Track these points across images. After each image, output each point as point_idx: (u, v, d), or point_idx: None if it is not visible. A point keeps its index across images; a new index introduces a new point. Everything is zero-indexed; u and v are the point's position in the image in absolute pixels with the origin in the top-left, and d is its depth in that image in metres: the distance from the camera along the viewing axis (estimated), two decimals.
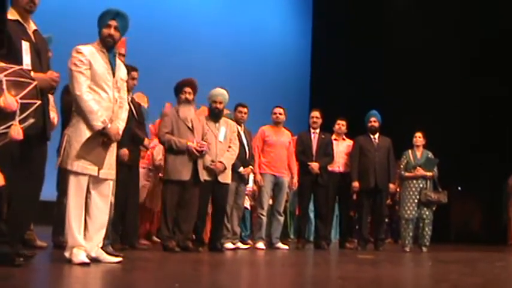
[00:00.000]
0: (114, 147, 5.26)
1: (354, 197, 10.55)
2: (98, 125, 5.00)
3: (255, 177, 9.40)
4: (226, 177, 8.10)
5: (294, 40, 17.65)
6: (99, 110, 5.00)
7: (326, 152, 9.86)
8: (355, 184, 9.91)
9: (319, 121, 9.96)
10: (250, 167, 8.92)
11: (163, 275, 4.73)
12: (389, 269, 6.26)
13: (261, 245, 9.17)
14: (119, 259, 5.19)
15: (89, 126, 4.99)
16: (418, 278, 5.38)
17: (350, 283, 4.42)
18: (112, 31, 5.23)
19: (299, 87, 17.07)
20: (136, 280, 4.15)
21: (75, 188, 4.98)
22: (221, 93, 8.23)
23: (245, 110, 9.01)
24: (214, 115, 8.19)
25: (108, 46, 5.24)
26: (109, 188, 5.27)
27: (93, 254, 5.06)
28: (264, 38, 15.92)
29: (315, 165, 9.61)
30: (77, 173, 4.96)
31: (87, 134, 4.99)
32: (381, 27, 16.52)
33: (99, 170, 5.06)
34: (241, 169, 8.66)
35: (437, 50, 15.36)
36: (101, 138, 5.04)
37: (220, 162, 7.95)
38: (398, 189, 11.25)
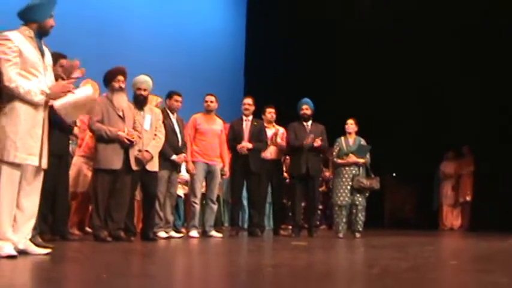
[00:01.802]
0: (46, 136, 5.12)
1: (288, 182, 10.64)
2: (40, 99, 4.94)
3: (187, 165, 9.35)
4: (153, 166, 8.05)
5: (228, 27, 17.54)
6: (33, 86, 4.91)
7: (259, 139, 9.86)
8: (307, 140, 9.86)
9: (251, 108, 9.96)
10: (183, 154, 8.86)
11: (92, 266, 4.66)
12: (322, 255, 6.29)
13: (194, 233, 9.14)
14: (48, 250, 5.08)
15: (28, 108, 4.90)
16: (351, 263, 5.41)
17: (283, 271, 4.41)
18: (53, 22, 5.21)
19: (233, 75, 16.98)
20: (64, 272, 4.05)
21: (9, 179, 4.83)
22: (145, 80, 8.17)
23: (180, 98, 8.96)
24: (139, 102, 8.10)
25: (46, 35, 5.21)
26: (41, 178, 5.15)
27: (21, 246, 4.94)
28: (197, 24, 15.75)
29: (245, 144, 9.64)
30: (13, 164, 4.82)
31: (22, 122, 4.87)
32: (317, 14, 16.50)
33: (40, 159, 4.97)
34: (174, 157, 8.60)
35: (371, 37, 15.46)
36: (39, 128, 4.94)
37: (147, 151, 7.88)
38: (332, 176, 11.32)
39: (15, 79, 4.84)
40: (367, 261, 5.68)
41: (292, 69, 16.25)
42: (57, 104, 5.26)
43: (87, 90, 5.72)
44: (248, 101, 10.02)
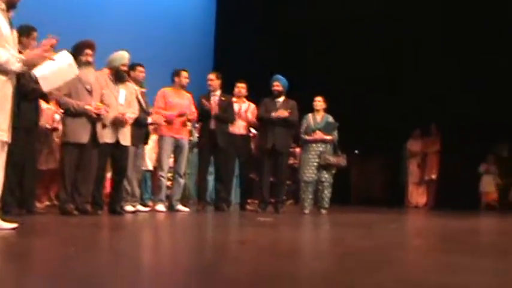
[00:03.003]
0: (9, 107, 5.08)
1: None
2: (18, 67, 4.93)
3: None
4: (126, 139, 8.07)
5: (199, 1, 17.48)
6: (10, 55, 4.88)
7: (227, 113, 9.92)
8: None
9: (215, 83, 10.01)
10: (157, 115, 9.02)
11: (59, 240, 4.68)
12: (287, 232, 6.35)
13: (161, 207, 9.19)
14: (15, 225, 5.06)
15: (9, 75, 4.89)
16: (316, 241, 5.48)
17: (248, 247, 4.47)
18: None
19: (203, 50, 16.94)
20: (32, 246, 4.07)
21: None
22: (127, 56, 8.20)
23: (143, 69, 9.05)
24: (122, 77, 8.15)
25: (14, 7, 5.16)
26: (5, 152, 5.12)
27: None
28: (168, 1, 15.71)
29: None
30: None
31: None
32: None
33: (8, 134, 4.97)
34: (150, 119, 8.88)
35: (345, 13, 15.48)
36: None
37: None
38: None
39: None
40: (332, 240, 5.76)
41: (265, 45, 16.24)
42: (38, 72, 5.28)
43: (67, 57, 5.73)
44: (211, 76, 10.09)
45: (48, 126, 8.77)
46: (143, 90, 9.08)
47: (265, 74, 10.76)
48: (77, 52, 7.50)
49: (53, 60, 5.37)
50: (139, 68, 8.98)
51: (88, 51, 7.55)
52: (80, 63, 7.44)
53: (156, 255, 3.90)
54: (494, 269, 3.57)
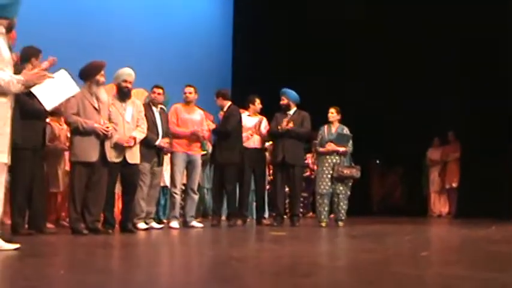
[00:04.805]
0: (9, 128, 5.08)
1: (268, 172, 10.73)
2: (18, 88, 4.98)
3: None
4: (134, 158, 8.06)
5: (215, 18, 17.45)
6: (11, 77, 4.93)
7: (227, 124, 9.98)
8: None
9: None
10: (167, 139, 8.92)
11: (55, 261, 4.67)
12: (294, 246, 6.26)
13: (175, 224, 9.17)
14: (17, 246, 5.05)
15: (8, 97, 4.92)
16: (318, 256, 5.39)
17: (245, 264, 4.40)
18: None
19: (221, 65, 16.95)
20: (22, 268, 4.04)
21: None
22: (131, 73, 8.22)
23: (160, 90, 9.04)
24: (124, 94, 8.14)
25: (10, 31, 5.26)
26: (5, 173, 5.12)
27: None
28: (183, 15, 15.68)
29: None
30: None
31: None
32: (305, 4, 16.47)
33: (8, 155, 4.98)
34: (158, 141, 8.75)
35: (362, 26, 15.44)
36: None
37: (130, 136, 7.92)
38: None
39: None
40: (337, 253, 5.69)
41: (280, 59, 16.23)
42: (37, 91, 5.32)
43: (64, 76, 5.77)
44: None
45: (64, 146, 8.79)
46: (163, 108, 9.16)
47: (280, 88, 10.74)
48: (91, 72, 7.58)
49: (52, 78, 5.40)
50: (154, 89, 9.06)
51: (102, 71, 7.64)
52: (97, 83, 7.55)
53: (145, 274, 3.84)
54: (493, 282, 3.49)
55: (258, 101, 10.60)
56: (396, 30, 14.93)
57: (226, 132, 9.87)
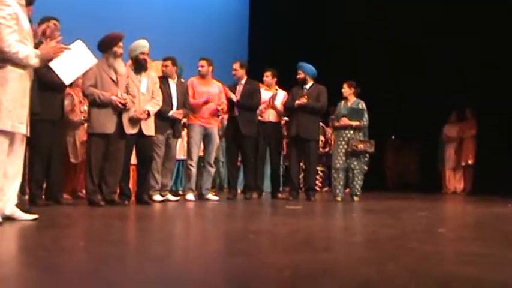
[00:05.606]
0: (27, 101, 5.08)
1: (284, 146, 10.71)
2: (36, 61, 4.99)
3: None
4: (149, 130, 8.06)
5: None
6: (29, 50, 4.95)
7: (251, 99, 9.96)
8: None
9: (239, 73, 10.02)
10: (181, 110, 8.90)
11: (74, 233, 4.68)
12: (309, 221, 6.26)
13: (190, 196, 9.19)
14: (35, 216, 5.08)
15: (18, 77, 4.91)
16: (335, 231, 5.39)
17: (262, 238, 4.41)
18: None
19: (237, 39, 16.90)
20: (43, 239, 4.05)
21: (1, 147, 4.82)
22: (147, 44, 8.21)
23: (167, 63, 9.04)
24: (142, 66, 8.12)
25: (32, 3, 5.35)
26: (24, 145, 5.13)
27: (7, 212, 4.95)
28: None
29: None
30: (4, 132, 4.79)
31: (14, 91, 4.86)
32: None
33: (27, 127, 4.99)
34: (171, 113, 8.75)
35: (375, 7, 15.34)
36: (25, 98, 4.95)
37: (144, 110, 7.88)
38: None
39: (15, 45, 4.84)
40: (353, 228, 5.68)
41: (297, 33, 16.15)
42: (55, 65, 5.32)
43: (81, 47, 5.76)
44: (235, 66, 10.05)
45: (79, 119, 8.81)
46: (182, 80, 9.16)
47: (297, 62, 10.67)
48: (109, 44, 7.56)
49: (69, 50, 5.39)
50: (164, 63, 9.07)
51: (120, 43, 7.63)
52: (114, 55, 7.53)
53: (162, 246, 3.85)
54: None
55: (266, 74, 10.54)
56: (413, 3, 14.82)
57: (252, 108, 9.88)
